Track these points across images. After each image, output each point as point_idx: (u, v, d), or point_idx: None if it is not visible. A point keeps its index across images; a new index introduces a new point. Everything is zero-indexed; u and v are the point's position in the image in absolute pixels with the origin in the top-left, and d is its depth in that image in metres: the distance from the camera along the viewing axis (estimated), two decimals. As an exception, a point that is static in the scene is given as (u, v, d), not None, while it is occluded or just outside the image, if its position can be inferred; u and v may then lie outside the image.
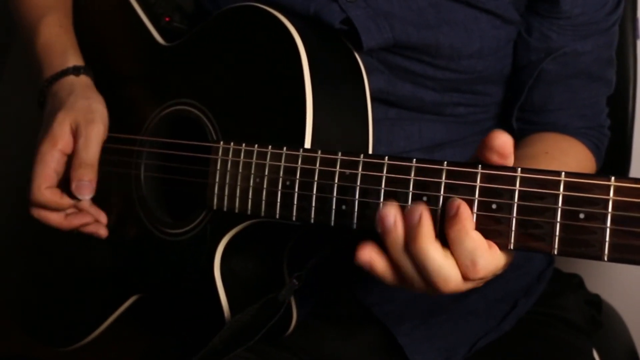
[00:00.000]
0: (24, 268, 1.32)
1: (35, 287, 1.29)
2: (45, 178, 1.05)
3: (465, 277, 0.73)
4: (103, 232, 1.12)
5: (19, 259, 1.33)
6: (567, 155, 1.09)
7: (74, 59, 1.13)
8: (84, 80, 1.12)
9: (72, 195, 1.05)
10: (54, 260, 1.25)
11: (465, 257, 0.72)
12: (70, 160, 1.06)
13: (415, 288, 0.76)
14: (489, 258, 0.73)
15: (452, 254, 0.73)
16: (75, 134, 1.06)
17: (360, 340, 1.11)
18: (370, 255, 0.77)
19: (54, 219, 1.09)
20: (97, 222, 1.11)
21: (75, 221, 1.10)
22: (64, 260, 1.23)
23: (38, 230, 1.27)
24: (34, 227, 1.28)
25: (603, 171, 1.23)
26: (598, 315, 1.22)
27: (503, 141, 0.72)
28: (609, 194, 0.67)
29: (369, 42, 1.01)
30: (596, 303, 1.25)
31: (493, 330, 1.12)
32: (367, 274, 1.07)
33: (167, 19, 1.13)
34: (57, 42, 1.15)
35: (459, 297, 1.11)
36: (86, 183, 1.04)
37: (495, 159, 0.73)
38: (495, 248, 0.73)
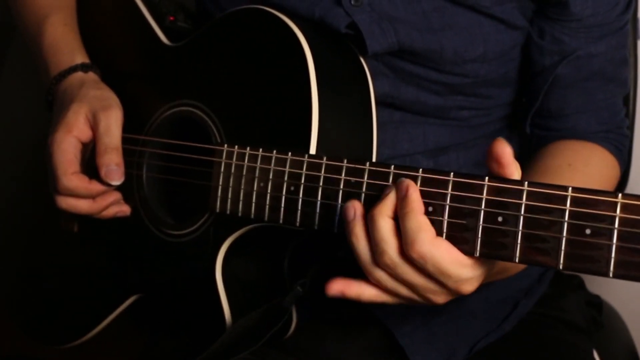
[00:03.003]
0: (22, 267, 1.33)
1: (34, 286, 1.30)
2: (69, 164, 1.04)
3: (401, 252, 0.77)
4: (126, 208, 1.10)
5: (18, 258, 1.34)
6: (589, 166, 1.09)
7: (81, 57, 1.13)
8: (92, 76, 1.12)
9: (100, 183, 1.04)
10: (53, 259, 1.26)
11: (407, 231, 0.76)
12: (85, 149, 1.06)
13: (361, 258, 0.81)
14: (433, 244, 0.76)
15: (401, 231, 0.77)
16: (93, 122, 1.05)
17: (361, 341, 1.11)
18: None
19: (83, 205, 1.06)
20: (118, 202, 1.10)
21: (104, 202, 1.07)
22: (64, 259, 1.24)
23: (37, 228, 1.28)
24: (33, 225, 1.30)
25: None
26: (599, 316, 1.23)
27: (501, 150, 0.75)
28: (615, 211, 0.67)
29: (374, 46, 1.01)
30: (597, 304, 1.26)
31: (494, 331, 1.13)
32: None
33: (171, 19, 1.13)
34: (64, 41, 1.14)
35: (459, 298, 1.12)
36: (115, 168, 1.03)
37: (495, 167, 0.76)
38: (448, 244, 0.76)
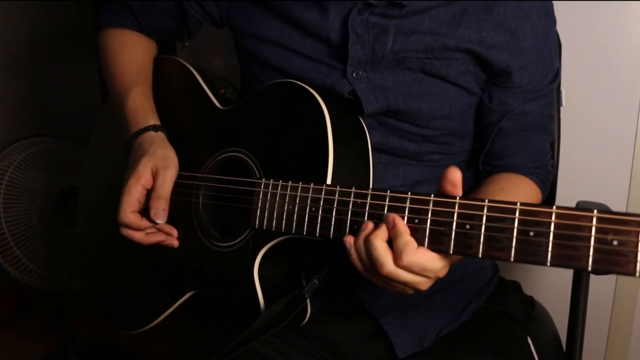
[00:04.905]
0: (103, 271, 1.32)
1: (112, 285, 1.28)
2: (130, 204, 1.05)
3: (395, 263, 0.82)
4: (175, 242, 1.11)
5: (101, 265, 1.33)
6: (519, 189, 1.10)
7: (153, 120, 1.14)
8: (161, 135, 1.12)
9: (150, 220, 1.06)
10: (128, 264, 1.24)
11: (397, 249, 0.81)
12: (149, 194, 1.07)
13: (365, 269, 0.86)
14: (415, 254, 0.80)
15: (393, 248, 0.81)
16: (155, 175, 1.06)
17: (356, 327, 1.11)
18: (350, 241, 0.86)
19: (137, 236, 1.08)
20: (170, 236, 1.11)
21: (153, 238, 1.09)
22: (136, 264, 1.22)
23: (118, 242, 1.27)
24: (112, 240, 1.28)
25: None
26: (531, 312, 1.23)
27: (455, 176, 0.79)
28: (551, 218, 0.69)
29: (369, 108, 1.03)
30: (530, 302, 1.26)
31: (454, 321, 1.12)
32: (363, 279, 1.09)
33: (222, 91, 1.14)
34: (141, 107, 1.15)
35: (429, 296, 1.12)
36: (161, 211, 1.04)
37: (449, 188, 0.79)
38: (424, 249, 0.80)
